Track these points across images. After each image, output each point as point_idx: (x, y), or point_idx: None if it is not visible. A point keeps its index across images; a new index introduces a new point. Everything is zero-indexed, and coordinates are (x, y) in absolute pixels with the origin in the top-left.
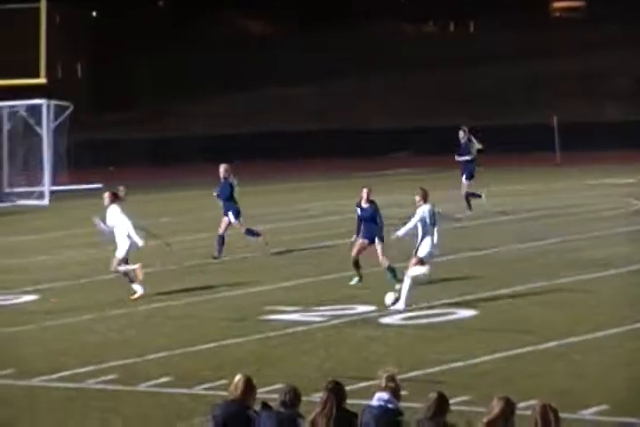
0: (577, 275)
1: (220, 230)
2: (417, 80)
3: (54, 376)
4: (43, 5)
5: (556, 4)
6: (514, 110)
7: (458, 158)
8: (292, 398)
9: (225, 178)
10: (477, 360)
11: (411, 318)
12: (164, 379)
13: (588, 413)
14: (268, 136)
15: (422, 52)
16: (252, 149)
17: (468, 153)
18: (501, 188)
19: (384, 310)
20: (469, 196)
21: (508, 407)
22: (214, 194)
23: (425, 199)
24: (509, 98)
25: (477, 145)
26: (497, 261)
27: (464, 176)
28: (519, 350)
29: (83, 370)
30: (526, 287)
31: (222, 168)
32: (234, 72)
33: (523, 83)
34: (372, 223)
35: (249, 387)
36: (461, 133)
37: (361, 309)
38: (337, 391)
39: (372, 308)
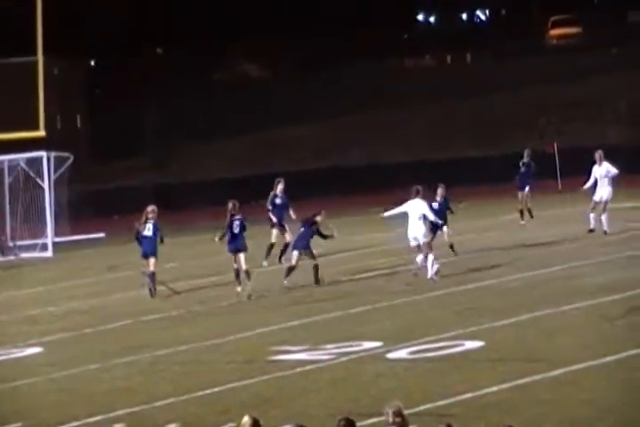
0: (582, 301)
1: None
2: (421, 113)
3: None
4: (40, 58)
5: (553, 32)
6: (515, 139)
7: (293, 215)
8: None
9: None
10: (486, 391)
11: (418, 351)
12: (171, 425)
13: None
14: (274, 178)
15: (422, 86)
16: (261, 191)
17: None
18: (503, 218)
19: (390, 345)
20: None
21: None
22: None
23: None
24: (510, 127)
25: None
26: (502, 291)
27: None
28: (527, 379)
29: (91, 420)
30: (532, 316)
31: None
32: (236, 115)
33: (523, 111)
34: None
35: None
36: (281, 186)
37: (367, 345)
38: None
39: (379, 344)
